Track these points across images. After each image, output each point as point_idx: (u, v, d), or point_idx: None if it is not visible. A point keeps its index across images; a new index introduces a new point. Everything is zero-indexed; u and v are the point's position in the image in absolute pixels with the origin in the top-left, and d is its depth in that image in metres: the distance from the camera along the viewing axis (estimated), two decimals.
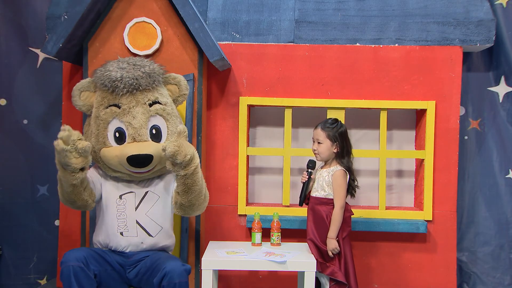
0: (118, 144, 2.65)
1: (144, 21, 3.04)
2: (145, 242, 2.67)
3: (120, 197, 2.69)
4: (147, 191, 2.73)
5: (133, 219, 2.67)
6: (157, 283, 2.48)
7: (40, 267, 3.66)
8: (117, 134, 2.66)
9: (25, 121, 3.64)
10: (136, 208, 2.69)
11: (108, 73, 2.64)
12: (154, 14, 3.05)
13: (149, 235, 2.68)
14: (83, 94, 2.71)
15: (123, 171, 2.66)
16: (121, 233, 2.65)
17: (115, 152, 2.63)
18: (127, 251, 2.66)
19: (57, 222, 3.62)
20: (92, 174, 2.71)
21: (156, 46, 3.04)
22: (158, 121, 2.71)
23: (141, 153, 2.59)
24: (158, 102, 2.71)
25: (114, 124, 2.65)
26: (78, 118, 3.32)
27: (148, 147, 2.62)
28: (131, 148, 2.61)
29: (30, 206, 3.65)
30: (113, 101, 2.65)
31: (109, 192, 2.70)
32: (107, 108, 2.66)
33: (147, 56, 3.04)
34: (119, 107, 2.65)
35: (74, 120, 3.34)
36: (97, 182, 2.71)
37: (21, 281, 3.65)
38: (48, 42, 2.97)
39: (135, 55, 3.03)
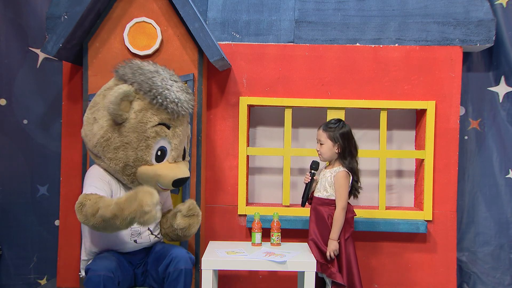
0: (156, 162, 2.62)
1: (144, 21, 3.04)
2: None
3: None
4: None
5: (146, 228, 2.71)
6: (163, 270, 2.55)
7: (40, 267, 3.65)
8: (159, 153, 2.61)
9: (25, 121, 3.64)
10: None
11: (163, 91, 2.55)
12: (154, 14, 3.06)
13: (157, 236, 2.77)
14: (123, 103, 2.53)
15: (141, 182, 2.64)
16: (135, 241, 2.68)
17: (158, 171, 2.59)
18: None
19: (57, 222, 3.62)
20: (103, 188, 2.58)
21: (156, 46, 3.04)
22: (186, 142, 2.79)
23: (185, 176, 2.64)
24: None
25: (160, 143, 2.61)
26: (78, 118, 3.32)
27: (187, 169, 2.69)
28: (178, 171, 2.62)
29: (30, 206, 3.65)
30: (163, 120, 2.59)
31: None
32: (156, 126, 2.58)
33: (147, 56, 3.04)
34: (169, 128, 2.61)
35: (74, 120, 3.35)
36: (109, 195, 2.64)
37: (21, 281, 3.65)
38: (48, 42, 2.97)
39: (135, 55, 3.04)
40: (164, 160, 2.63)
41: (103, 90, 2.69)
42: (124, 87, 2.51)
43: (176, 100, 2.57)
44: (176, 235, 2.78)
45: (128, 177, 2.61)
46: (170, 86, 2.58)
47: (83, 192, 2.54)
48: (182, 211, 2.72)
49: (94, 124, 2.62)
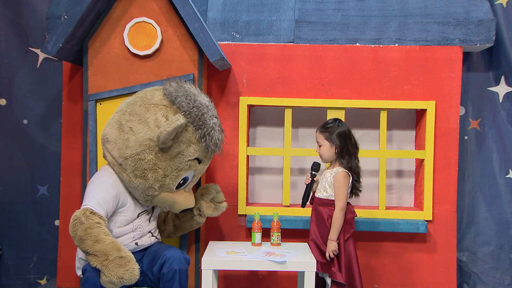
0: (175, 189, 2.68)
1: (144, 21, 3.04)
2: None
3: (138, 215, 2.72)
4: (154, 206, 2.82)
5: (147, 231, 2.75)
6: (157, 270, 2.58)
7: (40, 267, 3.66)
8: (181, 182, 2.66)
9: (25, 121, 3.64)
10: (149, 221, 2.77)
11: (211, 131, 2.58)
12: (154, 14, 3.05)
13: (156, 237, 2.81)
14: (174, 133, 2.52)
15: (155, 203, 2.71)
16: (136, 243, 2.69)
17: (176, 199, 2.67)
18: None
19: (57, 222, 3.62)
20: (106, 205, 2.54)
21: (156, 46, 3.04)
22: None
23: (193, 205, 2.80)
24: None
25: (187, 174, 2.66)
26: (78, 118, 3.32)
27: (194, 199, 2.82)
28: (190, 201, 2.76)
29: (30, 206, 3.65)
30: (199, 156, 2.64)
31: (129, 213, 2.68)
32: (192, 160, 2.62)
33: (147, 56, 3.04)
34: (200, 162, 2.67)
35: (74, 120, 3.34)
36: (111, 211, 2.61)
37: (21, 281, 3.65)
38: (48, 42, 2.97)
39: (135, 55, 3.04)
40: (181, 188, 2.70)
41: (147, 104, 2.60)
42: (182, 120, 2.50)
43: (217, 142, 2.64)
44: (196, 218, 2.94)
45: (146, 197, 2.63)
46: (215, 125, 2.63)
47: (86, 201, 2.51)
48: (219, 190, 3.01)
49: (130, 135, 2.56)
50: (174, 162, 2.58)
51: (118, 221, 2.63)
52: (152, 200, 2.64)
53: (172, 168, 2.58)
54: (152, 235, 2.77)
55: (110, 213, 2.56)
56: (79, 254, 2.70)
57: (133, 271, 2.35)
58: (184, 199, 2.71)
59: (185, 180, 2.67)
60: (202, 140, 2.58)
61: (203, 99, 2.62)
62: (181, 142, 2.56)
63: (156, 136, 2.51)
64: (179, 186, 2.67)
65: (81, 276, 2.66)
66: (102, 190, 2.56)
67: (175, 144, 2.55)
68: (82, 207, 2.48)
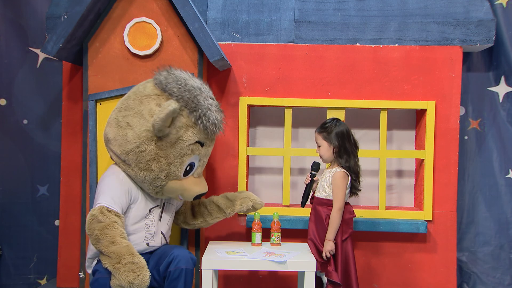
0: (183, 176, 2.66)
1: (144, 21, 3.04)
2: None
3: (150, 211, 2.71)
4: (164, 202, 2.81)
5: (158, 230, 2.74)
6: (164, 269, 2.57)
7: (40, 267, 3.66)
8: (188, 168, 2.65)
9: (25, 121, 3.64)
10: (160, 219, 2.76)
11: (206, 111, 2.56)
12: (154, 14, 3.06)
13: (167, 240, 2.81)
14: (168, 119, 2.50)
15: (166, 194, 2.69)
16: (148, 244, 2.69)
17: (185, 186, 2.66)
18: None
19: (57, 222, 3.62)
20: (120, 201, 2.56)
21: (156, 46, 3.04)
22: None
23: (206, 191, 2.76)
24: None
25: (192, 159, 2.65)
26: (78, 118, 3.32)
27: (206, 184, 2.78)
28: (202, 186, 2.72)
29: (30, 206, 3.65)
30: (200, 139, 2.63)
31: (141, 208, 2.68)
32: (193, 144, 2.61)
33: (147, 56, 3.04)
34: (202, 146, 2.66)
35: (74, 120, 3.34)
36: (125, 207, 2.62)
37: (21, 281, 3.65)
38: (48, 42, 2.97)
39: (135, 55, 3.04)
40: (189, 174, 2.68)
41: (140, 96, 2.60)
42: (174, 105, 2.48)
43: (216, 121, 2.60)
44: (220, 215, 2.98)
45: (155, 188, 2.63)
46: (211, 105, 2.60)
47: (100, 199, 2.51)
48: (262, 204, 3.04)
49: (128, 129, 2.57)
50: (175, 149, 2.57)
51: (130, 217, 2.63)
52: (162, 190, 2.64)
53: (174, 155, 2.57)
54: (164, 238, 2.77)
55: (125, 209, 2.57)
56: (88, 253, 2.72)
57: (144, 277, 2.35)
58: (194, 184, 2.68)
59: (191, 166, 2.66)
60: (199, 122, 2.56)
61: (195, 82, 2.60)
62: (178, 127, 2.55)
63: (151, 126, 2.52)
64: (187, 173, 2.66)
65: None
66: (114, 187, 2.58)
67: (173, 131, 2.54)
68: (97, 205, 2.49)
